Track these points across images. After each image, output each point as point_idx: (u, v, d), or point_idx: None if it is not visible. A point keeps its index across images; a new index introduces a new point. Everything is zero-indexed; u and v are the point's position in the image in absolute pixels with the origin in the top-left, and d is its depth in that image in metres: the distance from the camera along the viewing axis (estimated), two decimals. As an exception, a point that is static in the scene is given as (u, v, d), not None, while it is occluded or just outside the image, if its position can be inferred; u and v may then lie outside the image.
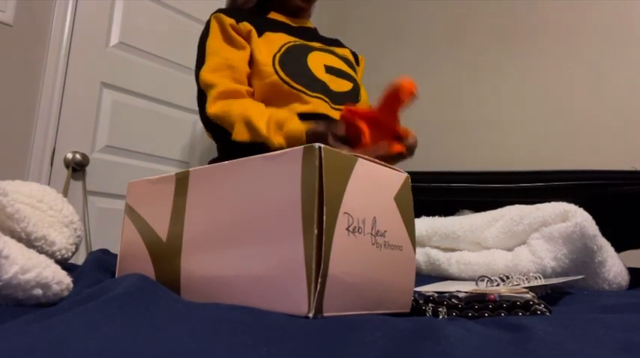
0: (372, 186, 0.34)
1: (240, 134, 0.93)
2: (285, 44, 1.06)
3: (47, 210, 0.52)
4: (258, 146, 0.92)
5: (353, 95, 1.09)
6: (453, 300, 0.40)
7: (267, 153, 0.33)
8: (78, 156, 1.50)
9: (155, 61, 1.72)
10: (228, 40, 1.05)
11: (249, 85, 1.04)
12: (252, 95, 1.03)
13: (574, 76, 1.56)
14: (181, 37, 1.78)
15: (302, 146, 0.31)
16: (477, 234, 0.69)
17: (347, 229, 0.31)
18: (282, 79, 1.00)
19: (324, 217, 0.29)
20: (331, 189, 0.30)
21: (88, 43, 1.56)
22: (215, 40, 1.04)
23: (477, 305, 0.38)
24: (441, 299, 0.41)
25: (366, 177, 0.34)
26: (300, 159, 0.31)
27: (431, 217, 0.79)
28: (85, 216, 1.50)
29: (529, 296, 0.39)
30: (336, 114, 1.00)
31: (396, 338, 0.24)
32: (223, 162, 0.37)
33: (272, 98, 1.00)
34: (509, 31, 1.71)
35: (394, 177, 0.37)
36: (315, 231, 0.29)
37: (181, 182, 0.40)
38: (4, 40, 1.37)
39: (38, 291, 0.32)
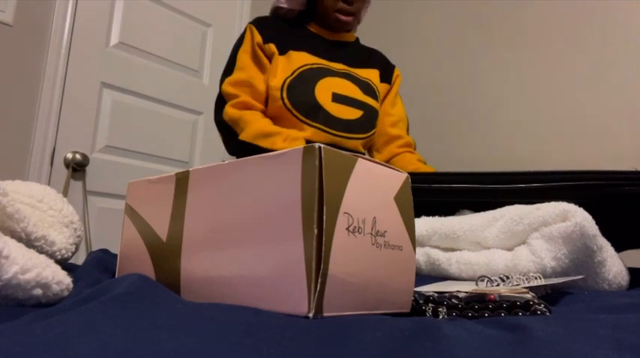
0: (372, 186, 0.34)
1: (248, 136, 1.02)
2: (301, 67, 1.11)
3: (47, 210, 0.52)
4: (260, 149, 1.00)
5: (363, 123, 1.13)
6: (453, 300, 0.40)
7: (267, 153, 0.33)
8: (78, 156, 1.50)
9: (155, 61, 1.72)
10: (255, 58, 1.13)
11: (265, 103, 1.13)
12: (264, 113, 1.11)
13: (574, 76, 1.56)
14: (181, 37, 1.78)
15: (302, 146, 0.31)
16: (477, 233, 0.69)
17: (347, 229, 0.31)
18: (286, 106, 1.07)
19: (324, 217, 0.29)
20: (331, 189, 0.30)
21: (88, 43, 1.56)
22: (245, 54, 1.13)
23: (477, 305, 0.38)
24: (441, 299, 0.41)
25: (366, 177, 0.34)
26: (300, 159, 0.31)
27: (431, 217, 0.79)
28: (85, 216, 1.50)
29: (529, 296, 0.39)
30: (336, 141, 1.08)
31: (396, 338, 0.24)
32: (223, 162, 0.37)
33: (276, 119, 1.09)
34: (510, 32, 1.72)
35: (394, 177, 0.37)
36: (315, 231, 0.29)
37: (181, 182, 0.40)
38: (4, 40, 1.37)
39: (38, 291, 0.32)
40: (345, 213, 0.31)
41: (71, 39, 1.51)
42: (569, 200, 0.64)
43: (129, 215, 0.45)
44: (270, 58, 1.13)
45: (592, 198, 0.71)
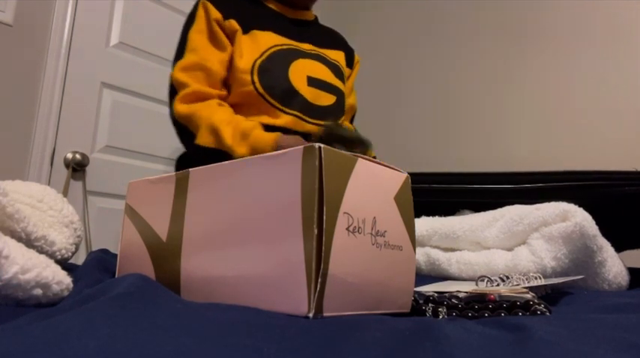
0: (372, 186, 0.34)
1: (204, 139, 0.91)
2: (271, 48, 1.00)
3: (47, 210, 0.52)
4: (222, 152, 0.89)
5: (335, 109, 1.04)
6: (453, 300, 0.40)
7: (268, 153, 0.33)
8: (78, 156, 1.50)
9: (155, 61, 1.72)
10: (212, 37, 0.99)
11: (226, 86, 1.01)
12: (224, 99, 0.99)
13: (574, 76, 1.56)
14: (181, 37, 1.78)
15: (302, 146, 0.31)
16: (477, 233, 0.69)
17: (347, 229, 0.31)
18: (258, 91, 0.96)
19: (324, 217, 0.30)
20: (331, 189, 0.30)
21: (88, 43, 1.56)
22: (198, 34, 0.99)
23: (477, 305, 0.38)
24: (441, 299, 0.41)
25: (366, 177, 0.34)
26: (300, 159, 0.31)
27: (431, 217, 0.79)
28: (85, 216, 1.50)
29: (529, 296, 0.39)
30: (312, 128, 0.98)
31: (396, 338, 0.24)
32: (223, 163, 0.37)
33: (244, 105, 0.97)
34: (511, 32, 1.72)
35: (394, 177, 0.37)
36: (315, 231, 0.29)
37: (181, 182, 0.40)
38: (4, 40, 1.37)
39: (38, 291, 0.32)
40: (345, 213, 0.31)
41: (71, 39, 1.51)
42: (569, 200, 0.64)
43: (129, 215, 0.45)
44: (231, 36, 1.00)
45: (592, 198, 0.71)
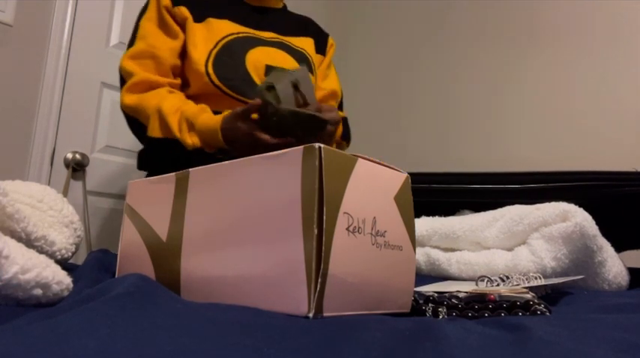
0: (372, 186, 0.34)
1: (155, 130, 0.87)
2: (226, 37, 0.95)
3: (47, 210, 0.52)
4: (175, 142, 0.86)
5: None
6: (453, 300, 0.40)
7: (267, 154, 0.33)
8: (78, 156, 1.50)
9: (155, 61, 1.72)
10: (162, 24, 0.95)
11: (180, 76, 0.97)
12: (178, 87, 0.96)
13: (574, 77, 1.56)
14: (181, 37, 1.78)
15: (302, 146, 0.31)
16: (476, 233, 0.69)
17: (347, 229, 0.31)
18: (213, 82, 0.91)
19: (324, 217, 0.29)
20: (331, 189, 0.30)
21: (88, 43, 1.56)
22: (148, 21, 0.95)
23: (477, 305, 0.38)
24: (441, 299, 0.41)
25: (366, 177, 0.34)
26: (300, 159, 0.31)
27: (431, 217, 0.79)
28: (85, 216, 1.50)
29: (529, 296, 0.39)
30: None
31: (395, 338, 0.24)
32: (223, 163, 0.37)
33: (202, 98, 0.93)
34: (511, 33, 1.72)
35: (394, 177, 0.37)
36: (315, 231, 0.29)
37: (181, 182, 0.40)
38: (4, 40, 1.37)
39: (38, 291, 0.32)
40: (345, 213, 0.31)
41: (71, 39, 1.51)
42: (569, 200, 0.64)
43: (129, 215, 0.45)
44: (182, 24, 0.95)
45: (592, 198, 0.71)
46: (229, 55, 0.94)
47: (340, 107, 1.14)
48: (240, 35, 0.97)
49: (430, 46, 1.92)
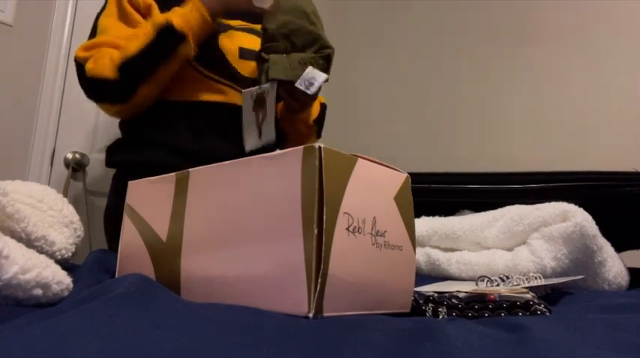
0: (372, 186, 0.34)
1: (128, 49, 0.83)
2: None
3: (47, 210, 0.52)
4: (153, 55, 0.83)
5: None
6: (453, 300, 0.40)
7: (267, 154, 0.33)
8: (78, 156, 1.49)
9: (155, 61, 1.71)
10: (122, 15, 0.92)
11: None
12: None
13: (574, 77, 1.56)
14: (181, 37, 1.78)
15: (302, 146, 0.31)
16: (477, 234, 0.69)
17: (347, 229, 0.31)
18: (190, 63, 0.90)
19: (324, 217, 0.29)
20: (331, 189, 0.30)
21: (88, 43, 1.56)
22: (108, 18, 0.92)
23: (477, 305, 0.38)
24: (441, 299, 0.41)
25: (366, 177, 0.34)
26: (300, 159, 0.31)
27: (431, 217, 0.79)
28: (85, 216, 1.50)
29: (529, 296, 0.39)
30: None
31: (396, 338, 0.24)
32: (223, 163, 0.37)
33: (177, 82, 0.90)
34: (511, 33, 1.72)
35: (394, 177, 0.37)
36: (315, 231, 0.29)
37: (181, 182, 0.40)
38: (4, 40, 1.37)
39: (38, 291, 0.32)
40: (345, 213, 0.31)
41: (71, 39, 1.51)
42: (569, 200, 0.64)
43: (129, 215, 0.45)
44: (145, 12, 0.93)
45: (592, 198, 0.71)
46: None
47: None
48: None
49: (430, 47, 1.92)
